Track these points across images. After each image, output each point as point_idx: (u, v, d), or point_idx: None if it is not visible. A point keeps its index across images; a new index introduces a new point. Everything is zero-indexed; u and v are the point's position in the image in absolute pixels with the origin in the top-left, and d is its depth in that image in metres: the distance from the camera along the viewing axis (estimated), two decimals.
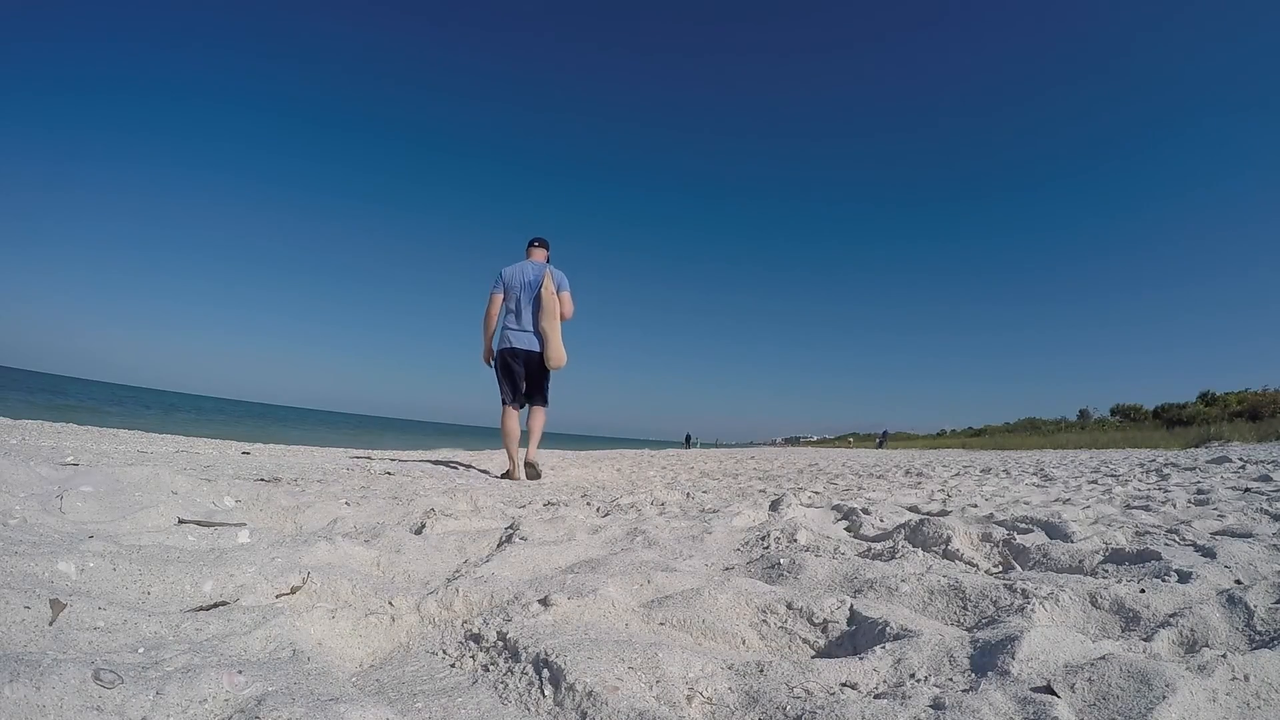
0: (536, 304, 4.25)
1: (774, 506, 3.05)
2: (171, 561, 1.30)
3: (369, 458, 5.86)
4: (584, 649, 1.01)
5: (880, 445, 34.64)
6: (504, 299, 4.38)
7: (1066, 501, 3.63)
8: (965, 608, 1.37)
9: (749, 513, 2.84)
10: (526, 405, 4.51)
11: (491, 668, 1.05)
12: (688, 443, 43.44)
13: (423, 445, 12.47)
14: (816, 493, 4.31)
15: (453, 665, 1.08)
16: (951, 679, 0.98)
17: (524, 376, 4.38)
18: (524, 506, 3.01)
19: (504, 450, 4.97)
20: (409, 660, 1.11)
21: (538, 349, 4.30)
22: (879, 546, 2.00)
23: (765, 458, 13.44)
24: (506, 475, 4.55)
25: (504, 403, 4.43)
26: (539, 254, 4.51)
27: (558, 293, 4.29)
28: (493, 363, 4.48)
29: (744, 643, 1.24)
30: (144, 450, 4.57)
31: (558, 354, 4.26)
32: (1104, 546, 1.90)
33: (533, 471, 4.45)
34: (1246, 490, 3.88)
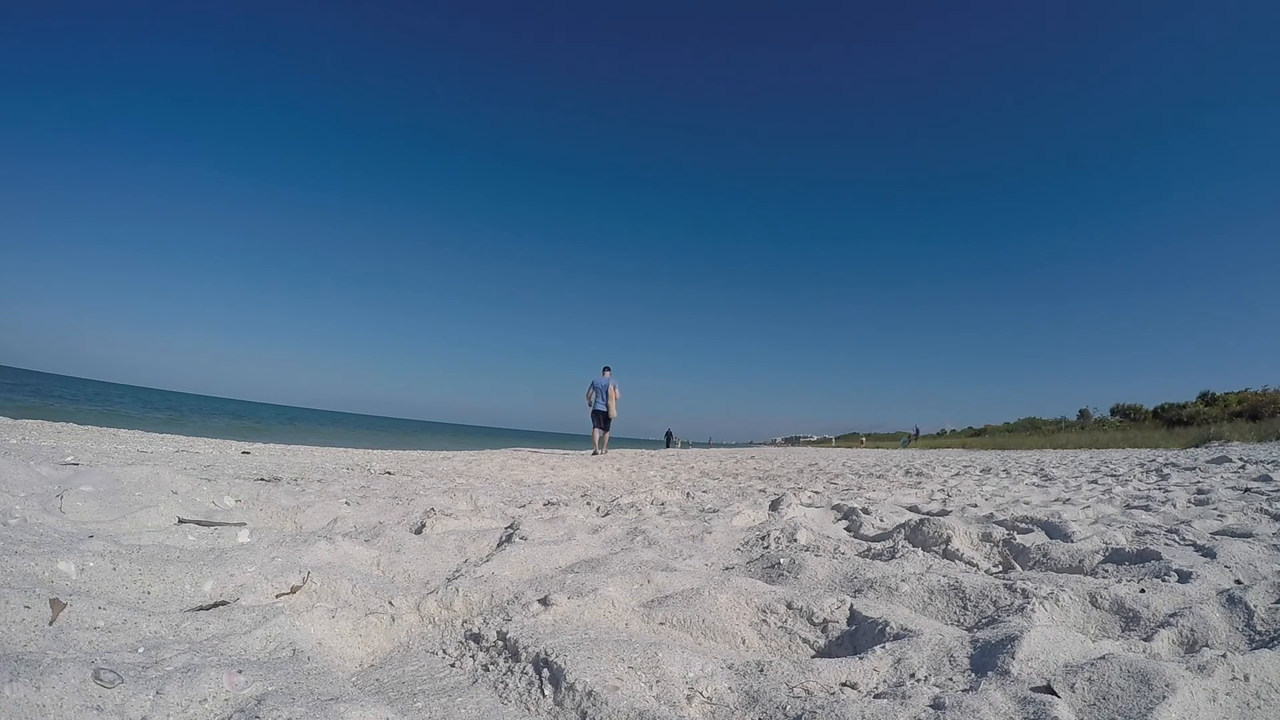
0: (605, 394, 11.67)
1: (774, 506, 3.05)
2: (171, 561, 1.30)
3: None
4: (584, 649, 1.01)
5: (906, 445, 33.37)
6: (595, 390, 11.71)
7: (1066, 501, 3.63)
8: (965, 607, 1.37)
9: (749, 512, 2.84)
10: (603, 430, 11.71)
11: (491, 667, 1.05)
12: (668, 442, 34.65)
13: (425, 446, 12.74)
14: (816, 492, 4.31)
15: (453, 665, 1.09)
16: (951, 679, 0.98)
17: (602, 421, 11.67)
18: (524, 506, 3.01)
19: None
20: (409, 660, 1.11)
21: (605, 409, 11.65)
22: (879, 546, 2.00)
23: (765, 458, 13.45)
24: (594, 453, 11.39)
25: (593, 427, 11.79)
26: (607, 373, 11.83)
27: (614, 389, 11.80)
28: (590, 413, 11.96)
29: (744, 642, 1.24)
30: (144, 450, 4.57)
31: (613, 412, 11.62)
32: (1104, 546, 1.90)
33: (604, 454, 11.29)
34: (1246, 490, 3.88)
